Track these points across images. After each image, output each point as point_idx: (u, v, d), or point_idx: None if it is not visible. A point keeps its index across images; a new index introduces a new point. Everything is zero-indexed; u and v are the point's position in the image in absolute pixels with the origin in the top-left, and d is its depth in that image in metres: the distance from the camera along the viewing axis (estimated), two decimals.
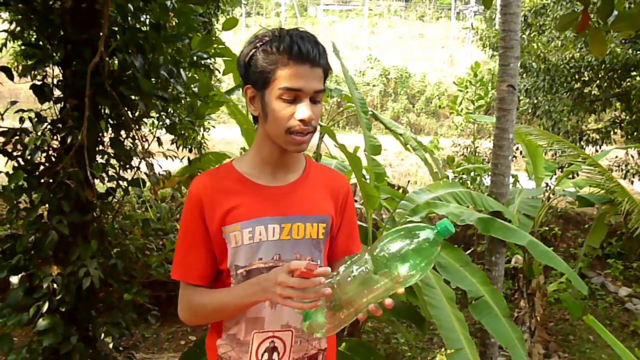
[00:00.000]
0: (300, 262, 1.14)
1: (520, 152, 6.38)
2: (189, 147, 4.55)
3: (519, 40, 4.02)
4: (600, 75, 8.07)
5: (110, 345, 2.86)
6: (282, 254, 1.33)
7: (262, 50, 1.27)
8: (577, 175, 6.18)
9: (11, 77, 2.41)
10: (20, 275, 2.45)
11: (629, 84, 7.94)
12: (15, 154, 2.45)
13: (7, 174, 2.42)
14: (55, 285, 2.44)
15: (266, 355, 1.34)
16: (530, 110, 8.38)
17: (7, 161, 2.49)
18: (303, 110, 1.25)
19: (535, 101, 8.20)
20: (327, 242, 1.42)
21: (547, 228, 7.56)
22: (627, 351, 2.65)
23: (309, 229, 1.35)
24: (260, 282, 1.21)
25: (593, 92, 8.53)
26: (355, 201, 4.39)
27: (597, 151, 8.12)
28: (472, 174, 7.25)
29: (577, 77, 8.13)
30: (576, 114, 8.25)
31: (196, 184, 1.38)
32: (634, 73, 7.84)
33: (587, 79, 8.23)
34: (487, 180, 6.23)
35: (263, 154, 1.37)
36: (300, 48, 1.23)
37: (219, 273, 1.39)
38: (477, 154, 9.19)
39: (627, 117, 8.35)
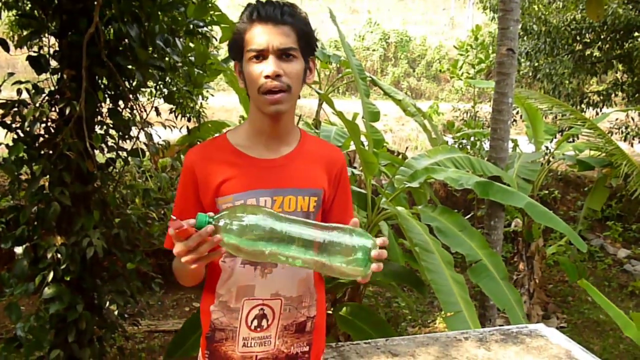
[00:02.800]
0: (171, 226, 1.13)
1: (521, 116, 6.36)
2: (188, 116, 4.54)
3: (518, 3, 3.97)
4: (602, 37, 7.99)
5: (116, 313, 2.91)
6: None
7: (237, 24, 1.32)
8: (577, 138, 6.17)
9: (7, 49, 2.40)
10: (24, 246, 2.49)
11: (630, 45, 7.85)
12: (14, 125, 2.46)
13: (7, 146, 2.44)
14: (59, 255, 2.48)
15: (255, 322, 1.38)
16: (531, 74, 8.32)
17: (7, 133, 2.50)
18: (266, 66, 1.26)
19: (536, 64, 8.13)
20: (319, 214, 1.44)
21: (547, 191, 7.59)
22: (621, 313, 2.72)
23: (300, 202, 1.37)
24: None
25: (594, 54, 8.46)
26: (355, 168, 4.42)
27: (597, 114, 8.09)
28: (472, 138, 7.25)
29: (578, 38, 8.05)
30: (577, 76, 8.19)
31: (190, 156, 1.40)
32: (636, 34, 7.76)
33: (588, 40, 8.15)
34: (487, 145, 6.24)
35: (255, 124, 1.39)
36: (259, 10, 1.27)
37: None
38: (477, 118, 9.17)
39: (629, 79, 8.29)
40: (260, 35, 1.26)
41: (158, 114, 2.95)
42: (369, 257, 1.16)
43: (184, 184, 1.39)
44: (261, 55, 1.27)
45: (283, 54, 1.28)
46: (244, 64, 1.31)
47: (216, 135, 1.61)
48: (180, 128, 3.30)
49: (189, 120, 4.49)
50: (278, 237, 1.13)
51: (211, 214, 1.14)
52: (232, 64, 3.71)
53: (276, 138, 1.40)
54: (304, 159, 1.42)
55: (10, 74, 2.44)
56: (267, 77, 1.26)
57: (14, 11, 2.88)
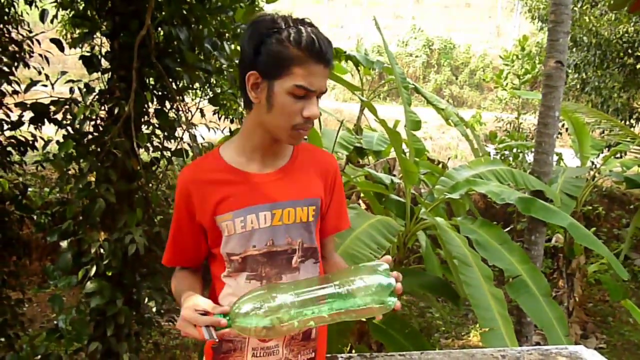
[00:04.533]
0: (204, 304, 1.18)
1: (566, 129, 6.21)
2: (231, 118, 4.61)
3: (569, 15, 3.88)
4: None
5: (154, 309, 2.97)
6: (275, 239, 1.36)
7: (277, 39, 1.22)
8: (625, 154, 5.99)
9: (62, 49, 2.47)
10: (69, 240, 2.56)
11: None
12: (64, 122, 2.54)
13: (57, 142, 2.52)
14: (102, 251, 2.54)
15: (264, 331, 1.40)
16: (578, 86, 8.11)
17: (57, 129, 2.58)
18: (312, 108, 1.25)
19: (585, 76, 7.93)
20: (318, 222, 1.45)
21: (590, 207, 7.38)
22: None
23: (300, 213, 1.38)
24: (182, 305, 1.25)
25: None
26: (394, 175, 4.38)
27: None
28: (514, 150, 7.12)
29: (630, 52, 7.80)
30: (627, 90, 7.94)
31: (184, 176, 1.39)
32: None
33: None
34: (530, 157, 6.11)
35: (253, 141, 1.37)
36: (321, 47, 1.22)
37: (216, 255, 1.42)
38: (521, 129, 8.99)
39: None
40: (315, 77, 1.23)
41: (202, 115, 2.99)
42: (390, 291, 1.19)
43: (179, 205, 1.39)
44: (306, 94, 1.24)
45: (319, 96, 1.29)
46: (278, 89, 1.24)
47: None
48: (223, 129, 3.34)
49: (231, 122, 4.54)
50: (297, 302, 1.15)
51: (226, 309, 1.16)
52: None
53: (272, 153, 1.40)
54: (299, 169, 1.42)
55: (63, 73, 2.52)
56: (308, 118, 1.26)
57: (69, 11, 2.97)
